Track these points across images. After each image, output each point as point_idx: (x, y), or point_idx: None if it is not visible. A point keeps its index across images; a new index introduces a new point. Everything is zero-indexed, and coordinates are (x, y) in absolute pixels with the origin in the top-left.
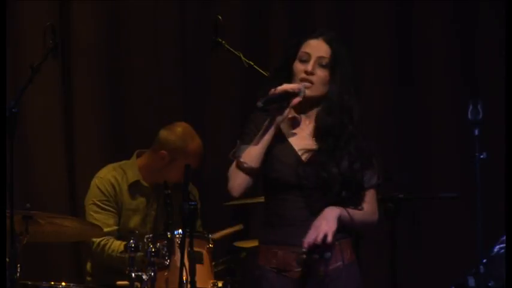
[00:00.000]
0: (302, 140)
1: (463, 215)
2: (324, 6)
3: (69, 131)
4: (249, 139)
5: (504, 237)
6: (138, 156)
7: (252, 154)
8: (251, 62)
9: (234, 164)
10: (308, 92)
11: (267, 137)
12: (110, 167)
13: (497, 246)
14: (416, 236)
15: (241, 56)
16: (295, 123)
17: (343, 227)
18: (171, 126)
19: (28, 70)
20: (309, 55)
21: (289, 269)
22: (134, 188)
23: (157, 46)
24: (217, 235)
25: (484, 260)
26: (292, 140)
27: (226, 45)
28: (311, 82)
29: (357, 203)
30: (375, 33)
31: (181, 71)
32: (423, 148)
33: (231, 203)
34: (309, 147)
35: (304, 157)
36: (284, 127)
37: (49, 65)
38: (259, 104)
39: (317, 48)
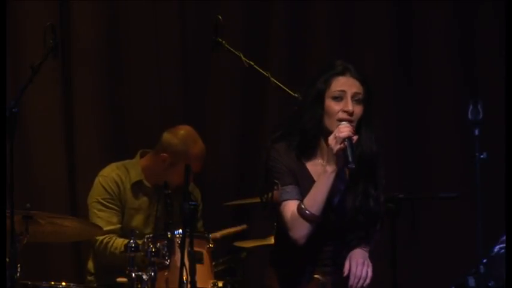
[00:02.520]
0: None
1: (463, 215)
2: (324, 6)
3: (69, 131)
4: (288, 180)
5: (504, 237)
6: (141, 156)
7: (317, 203)
8: (251, 62)
9: (293, 210)
10: None
11: (329, 184)
12: (113, 165)
13: (497, 246)
14: (416, 236)
15: (241, 56)
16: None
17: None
18: (175, 129)
19: (28, 70)
20: (343, 93)
21: None
22: (137, 187)
23: (158, 46)
24: (219, 234)
25: (484, 260)
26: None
27: (226, 45)
28: (351, 121)
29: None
30: (374, 33)
31: (181, 71)
32: (423, 148)
33: (231, 203)
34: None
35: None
36: (310, 167)
37: (49, 65)
38: (352, 165)
39: (348, 85)
